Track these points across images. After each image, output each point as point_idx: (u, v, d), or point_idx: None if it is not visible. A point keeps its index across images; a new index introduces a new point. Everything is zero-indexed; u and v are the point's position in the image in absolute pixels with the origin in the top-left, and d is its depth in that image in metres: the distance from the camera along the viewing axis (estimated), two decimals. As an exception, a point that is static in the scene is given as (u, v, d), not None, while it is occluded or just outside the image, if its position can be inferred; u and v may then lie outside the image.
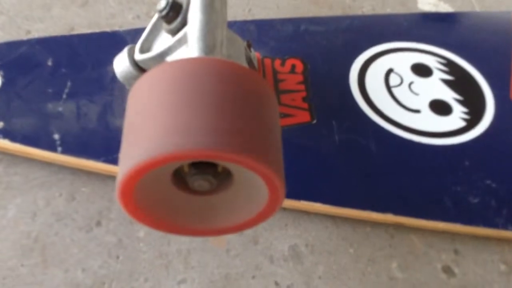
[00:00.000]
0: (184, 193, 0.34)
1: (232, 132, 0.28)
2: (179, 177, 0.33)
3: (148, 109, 0.30)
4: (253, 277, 0.43)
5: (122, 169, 0.29)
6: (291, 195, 0.45)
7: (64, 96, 0.50)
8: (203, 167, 0.32)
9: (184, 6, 0.42)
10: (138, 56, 0.45)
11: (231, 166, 0.32)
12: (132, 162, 0.28)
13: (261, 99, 0.32)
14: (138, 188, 0.30)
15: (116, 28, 0.60)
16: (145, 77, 0.32)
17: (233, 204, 0.34)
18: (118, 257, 0.43)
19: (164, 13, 0.42)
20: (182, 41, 0.41)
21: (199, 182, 0.32)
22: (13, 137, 0.46)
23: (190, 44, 0.39)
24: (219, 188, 0.34)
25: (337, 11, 0.68)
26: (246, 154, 0.28)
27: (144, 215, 0.32)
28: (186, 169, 0.32)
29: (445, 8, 0.71)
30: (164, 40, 0.45)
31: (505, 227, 0.47)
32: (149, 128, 0.29)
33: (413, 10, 0.70)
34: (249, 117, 0.30)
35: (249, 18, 0.64)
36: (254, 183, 0.32)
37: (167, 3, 0.42)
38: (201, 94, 0.29)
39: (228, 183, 0.34)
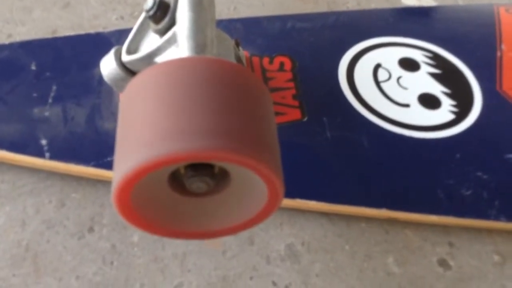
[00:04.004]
0: (181, 196, 0.33)
1: (229, 132, 0.28)
2: (176, 180, 0.32)
3: (142, 112, 0.29)
4: (251, 278, 0.43)
5: (117, 174, 0.28)
6: (285, 193, 0.45)
7: (50, 100, 0.48)
8: (199, 168, 0.31)
9: (172, 5, 0.41)
10: (126, 58, 0.45)
11: (228, 167, 0.32)
12: (128, 166, 0.28)
13: (257, 98, 0.31)
14: (135, 193, 0.30)
15: (100, 30, 0.59)
16: (137, 79, 0.31)
17: (231, 205, 0.34)
18: (112, 263, 0.42)
19: (151, 13, 0.41)
20: (171, 41, 0.40)
21: (197, 184, 0.31)
22: (-2, 144, 0.45)
23: (181, 43, 0.38)
24: (217, 190, 0.33)
25: (322, 7, 0.68)
26: (243, 153, 0.28)
27: (142, 220, 0.31)
28: (182, 171, 0.32)
29: (428, 2, 0.71)
30: (151, 41, 0.45)
31: (497, 218, 0.47)
32: (144, 131, 0.28)
33: (397, 5, 0.70)
34: (246, 116, 0.29)
35: (235, 16, 0.64)
36: (252, 183, 0.32)
37: (154, 3, 0.41)
38: (196, 94, 0.29)
39: (226, 184, 0.33)
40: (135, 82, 0.31)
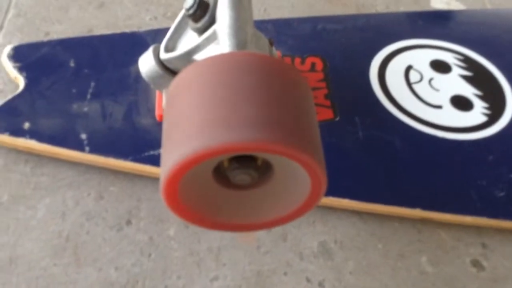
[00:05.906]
0: (225, 188, 0.34)
1: (276, 124, 0.28)
2: (220, 173, 0.33)
3: (190, 105, 0.30)
4: (285, 273, 0.43)
5: (165, 166, 0.29)
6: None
7: (89, 96, 0.50)
8: (243, 161, 0.32)
9: (212, 4, 0.42)
10: (164, 55, 0.45)
11: (272, 159, 0.32)
12: (176, 158, 0.28)
13: (301, 91, 0.32)
14: (182, 185, 0.30)
15: (134, 29, 0.60)
16: (182, 74, 0.32)
17: (274, 198, 0.34)
18: (150, 255, 0.43)
19: (191, 11, 0.42)
20: (211, 39, 0.41)
21: (241, 176, 0.32)
22: (40, 138, 0.46)
23: (222, 41, 0.39)
24: (260, 183, 0.34)
25: (351, 10, 0.68)
26: (288, 144, 0.28)
27: (187, 211, 0.32)
28: (226, 164, 0.32)
29: (457, 6, 0.71)
30: (190, 39, 0.45)
31: (531, 220, 0.47)
32: (191, 124, 0.29)
33: (426, 8, 0.70)
34: (291, 108, 0.30)
35: (265, 17, 0.65)
36: (294, 176, 0.32)
37: (194, 1, 0.42)
38: (243, 87, 0.30)
39: (269, 177, 0.34)
40: (181, 77, 0.32)
